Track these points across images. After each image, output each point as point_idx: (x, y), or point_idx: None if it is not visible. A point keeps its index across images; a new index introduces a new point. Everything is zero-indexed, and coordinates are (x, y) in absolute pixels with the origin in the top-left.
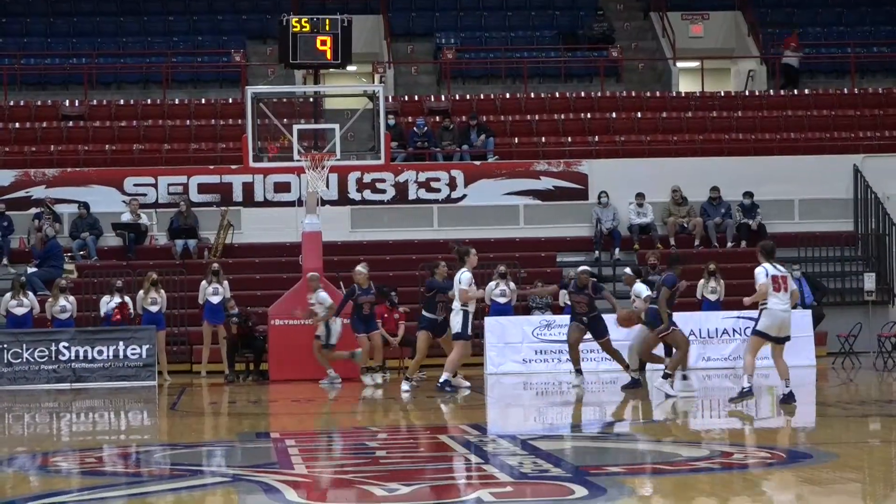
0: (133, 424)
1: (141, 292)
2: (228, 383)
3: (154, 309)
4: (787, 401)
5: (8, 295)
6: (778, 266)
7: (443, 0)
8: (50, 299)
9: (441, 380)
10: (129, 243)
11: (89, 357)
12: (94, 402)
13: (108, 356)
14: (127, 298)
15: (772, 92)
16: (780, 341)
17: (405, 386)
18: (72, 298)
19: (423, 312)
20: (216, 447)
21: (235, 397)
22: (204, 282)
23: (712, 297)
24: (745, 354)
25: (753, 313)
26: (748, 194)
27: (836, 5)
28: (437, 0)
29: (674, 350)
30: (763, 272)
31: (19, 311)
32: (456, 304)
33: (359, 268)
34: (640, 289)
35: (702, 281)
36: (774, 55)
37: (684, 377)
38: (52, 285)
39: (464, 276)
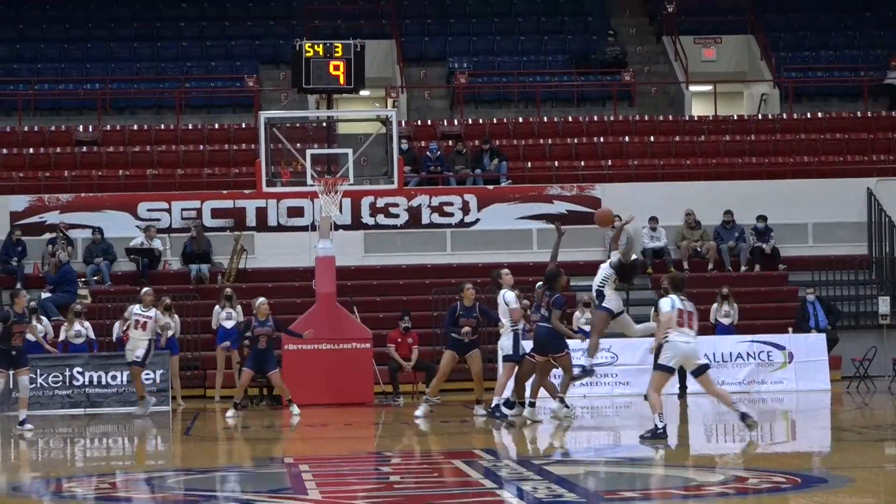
0: (147, 450)
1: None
2: (242, 408)
3: (168, 334)
4: (745, 419)
5: None
6: (685, 301)
7: (455, 25)
8: (65, 324)
9: (493, 404)
10: (142, 268)
11: (103, 382)
12: (108, 428)
13: (122, 381)
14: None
15: (785, 115)
16: (695, 374)
17: (421, 410)
18: (87, 323)
19: (451, 333)
20: (230, 472)
21: (249, 422)
22: (217, 307)
23: (726, 321)
24: (650, 392)
25: (767, 337)
26: (762, 218)
27: (848, 28)
28: (449, 25)
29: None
30: (668, 303)
31: (31, 336)
32: (506, 326)
33: (261, 299)
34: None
35: (715, 305)
36: (787, 78)
37: (531, 404)
38: (67, 310)
39: (507, 296)
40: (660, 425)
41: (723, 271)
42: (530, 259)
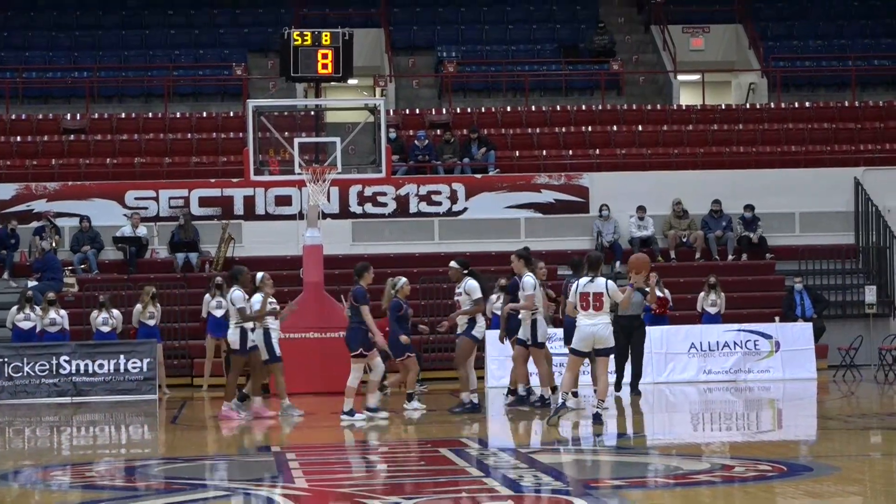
0: (133, 438)
1: (139, 306)
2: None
3: (151, 322)
4: (596, 421)
5: (14, 308)
6: (595, 281)
7: (444, 13)
8: (40, 312)
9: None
10: (129, 257)
11: (90, 371)
12: (94, 416)
13: (108, 370)
14: (116, 312)
15: (772, 105)
16: (599, 354)
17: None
18: (63, 312)
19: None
20: (217, 461)
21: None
22: (207, 295)
23: (712, 310)
24: (566, 372)
25: (754, 326)
26: (749, 207)
27: (836, 18)
28: (438, 13)
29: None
30: (573, 290)
31: (26, 324)
32: (524, 312)
33: (403, 279)
34: (472, 286)
35: (702, 294)
36: (775, 68)
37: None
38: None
39: (526, 281)
40: (558, 403)
41: (710, 260)
42: (517, 248)
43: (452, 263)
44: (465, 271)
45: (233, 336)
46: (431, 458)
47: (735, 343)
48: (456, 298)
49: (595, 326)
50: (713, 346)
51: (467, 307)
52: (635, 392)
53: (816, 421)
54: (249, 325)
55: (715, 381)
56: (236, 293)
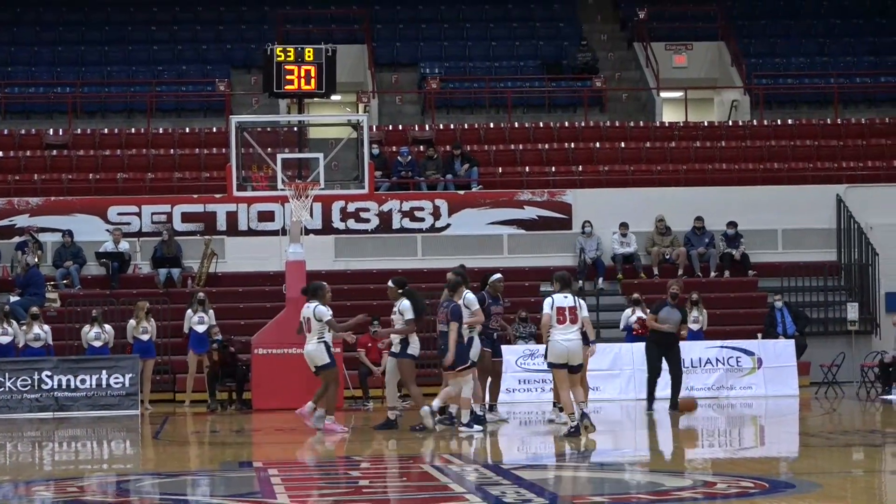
0: (116, 453)
1: (132, 321)
2: (211, 412)
3: (146, 338)
4: (581, 421)
5: None
6: (569, 297)
7: (427, 30)
8: (24, 327)
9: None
10: (112, 272)
11: (72, 386)
12: (76, 432)
13: (90, 385)
14: (108, 327)
15: (755, 122)
16: (571, 370)
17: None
18: (46, 327)
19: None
20: (198, 476)
21: (218, 426)
22: (189, 310)
23: (695, 327)
24: (560, 393)
25: (736, 343)
26: (732, 224)
27: (818, 36)
28: (421, 30)
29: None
30: (548, 303)
31: (4, 339)
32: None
33: (390, 282)
34: (406, 306)
35: None
36: (758, 85)
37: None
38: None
39: (469, 298)
40: (572, 425)
41: (692, 277)
42: (500, 264)
43: (389, 283)
44: (401, 290)
45: (317, 351)
46: (414, 474)
47: (717, 360)
48: (392, 317)
49: (569, 342)
50: (695, 363)
51: (400, 326)
52: (675, 407)
53: (799, 438)
54: (328, 337)
55: (697, 397)
56: (320, 308)
